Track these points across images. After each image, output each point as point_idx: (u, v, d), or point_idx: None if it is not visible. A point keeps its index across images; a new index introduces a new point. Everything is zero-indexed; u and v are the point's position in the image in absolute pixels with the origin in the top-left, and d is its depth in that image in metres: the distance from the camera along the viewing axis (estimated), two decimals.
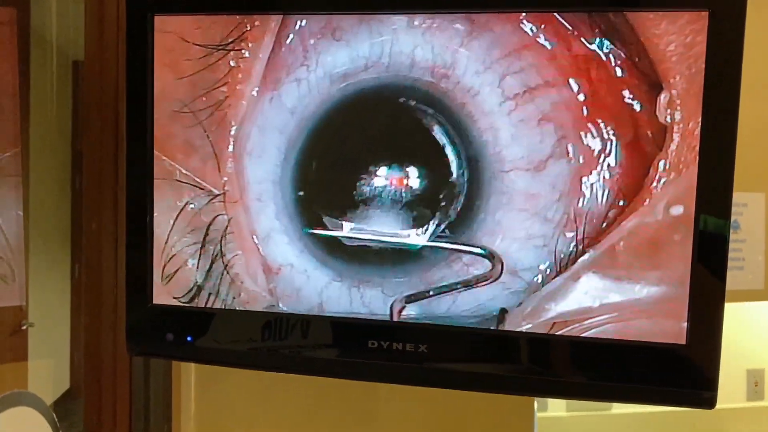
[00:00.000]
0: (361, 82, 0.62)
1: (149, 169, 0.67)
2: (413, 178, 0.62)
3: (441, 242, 0.61)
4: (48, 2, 0.96)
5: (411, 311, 0.63)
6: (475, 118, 0.60)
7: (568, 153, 0.58)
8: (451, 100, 0.60)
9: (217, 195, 0.66)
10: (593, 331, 0.59)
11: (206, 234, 0.66)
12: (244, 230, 0.66)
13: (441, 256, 0.62)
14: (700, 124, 0.55)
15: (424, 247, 0.62)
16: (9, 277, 0.83)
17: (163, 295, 0.68)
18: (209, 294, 0.67)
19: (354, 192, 0.63)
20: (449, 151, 0.61)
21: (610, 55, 0.57)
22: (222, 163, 0.65)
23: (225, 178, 0.66)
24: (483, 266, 0.61)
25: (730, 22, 0.54)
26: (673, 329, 0.58)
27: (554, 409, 1.91)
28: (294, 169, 0.64)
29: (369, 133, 0.63)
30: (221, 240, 0.66)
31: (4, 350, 0.88)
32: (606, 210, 0.58)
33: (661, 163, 0.57)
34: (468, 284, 0.61)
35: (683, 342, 0.58)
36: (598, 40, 0.57)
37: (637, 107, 0.57)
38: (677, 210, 0.57)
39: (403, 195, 0.62)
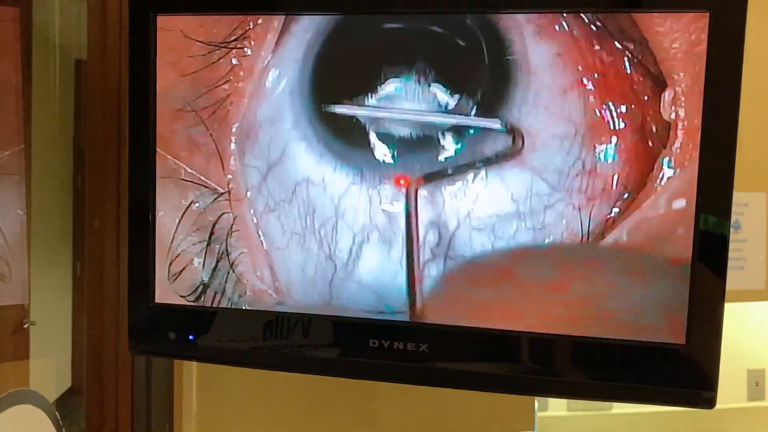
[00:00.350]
0: None
1: (151, 168, 0.67)
2: (439, 64, 0.61)
3: (463, 120, 0.60)
4: (50, 0, 0.96)
5: (426, 200, 0.62)
6: (500, 19, 0.59)
7: (586, 96, 0.58)
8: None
9: (222, 193, 0.66)
10: (594, 330, 0.60)
11: (212, 233, 0.67)
12: (249, 228, 0.66)
13: (463, 145, 0.61)
14: (701, 121, 0.56)
15: (447, 130, 0.61)
16: (7, 276, 0.83)
17: (168, 293, 0.69)
18: (215, 293, 0.67)
19: (378, 75, 0.62)
20: (474, 39, 0.60)
21: (615, 51, 0.57)
22: (225, 161, 0.66)
23: (229, 176, 0.66)
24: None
25: (731, 23, 0.55)
26: (673, 329, 0.58)
27: (555, 408, 1.91)
28: (314, 63, 0.63)
29: (394, 20, 0.62)
30: (227, 238, 0.66)
31: (7, 348, 0.88)
32: (613, 202, 0.58)
33: (665, 160, 0.57)
34: (488, 161, 0.60)
35: (683, 342, 0.58)
36: (602, 35, 0.57)
37: (643, 99, 0.57)
38: (678, 209, 0.57)
39: (427, 78, 0.61)
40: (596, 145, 0.58)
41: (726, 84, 0.55)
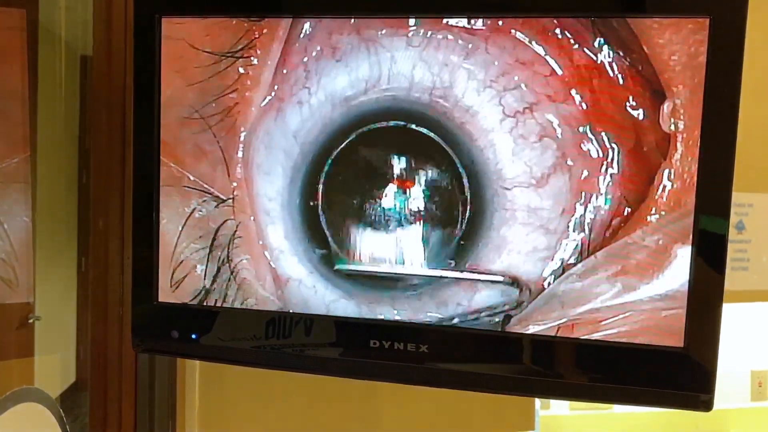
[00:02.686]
0: (362, 105, 0.62)
1: (156, 174, 0.67)
2: (417, 201, 0.62)
3: (451, 270, 0.62)
4: None
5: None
6: (474, 137, 0.60)
7: (570, 166, 0.58)
8: (450, 120, 0.60)
9: (226, 200, 0.66)
10: (593, 333, 0.60)
11: (214, 239, 0.67)
12: (252, 235, 0.66)
13: (449, 278, 0.62)
14: (700, 131, 0.56)
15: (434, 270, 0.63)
16: (14, 281, 0.84)
17: (170, 298, 0.69)
18: (215, 300, 0.68)
19: (360, 217, 0.63)
20: (450, 171, 0.61)
21: (613, 64, 0.57)
22: (231, 169, 0.66)
23: (234, 183, 0.66)
24: (495, 289, 0.61)
25: (732, 29, 0.55)
26: (671, 332, 0.58)
27: (557, 407, 1.91)
28: (300, 192, 0.65)
29: (371, 157, 0.63)
30: (229, 244, 0.66)
31: (12, 343, 0.89)
32: (610, 218, 0.58)
33: (666, 171, 0.57)
34: (494, 311, 0.62)
35: (681, 345, 0.58)
36: (600, 47, 0.57)
37: (640, 116, 0.57)
38: (679, 218, 0.57)
39: (408, 218, 0.62)
40: (587, 201, 0.59)
41: (726, 91, 0.55)
